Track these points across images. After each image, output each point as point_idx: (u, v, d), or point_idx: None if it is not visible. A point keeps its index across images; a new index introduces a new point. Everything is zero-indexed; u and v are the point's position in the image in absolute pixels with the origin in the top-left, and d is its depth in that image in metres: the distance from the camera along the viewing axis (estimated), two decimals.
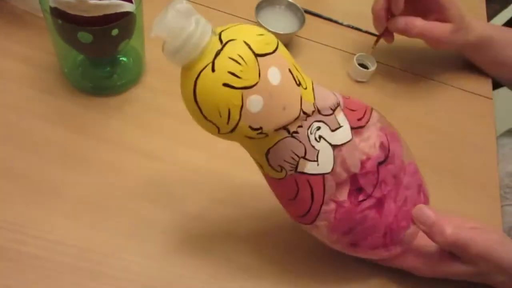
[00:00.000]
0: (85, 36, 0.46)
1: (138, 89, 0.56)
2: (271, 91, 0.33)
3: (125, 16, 0.47)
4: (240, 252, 0.46)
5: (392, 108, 0.63)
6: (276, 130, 0.34)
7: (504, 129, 0.72)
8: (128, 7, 0.47)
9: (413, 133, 0.61)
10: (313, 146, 0.36)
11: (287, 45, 0.65)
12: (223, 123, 0.33)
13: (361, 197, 0.39)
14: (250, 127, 0.33)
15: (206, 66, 0.32)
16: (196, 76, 0.32)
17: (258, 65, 0.32)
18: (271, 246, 0.48)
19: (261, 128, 0.33)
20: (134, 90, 0.56)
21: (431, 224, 0.42)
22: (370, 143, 0.39)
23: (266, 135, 0.34)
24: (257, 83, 0.32)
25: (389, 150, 0.40)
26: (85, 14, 0.45)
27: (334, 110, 0.37)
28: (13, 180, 0.47)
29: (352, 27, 0.71)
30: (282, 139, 0.35)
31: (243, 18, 0.67)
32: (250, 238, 0.48)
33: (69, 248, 0.44)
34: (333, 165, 0.37)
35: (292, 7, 0.65)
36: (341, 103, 0.38)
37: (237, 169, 0.51)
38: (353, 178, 0.38)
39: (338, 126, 0.37)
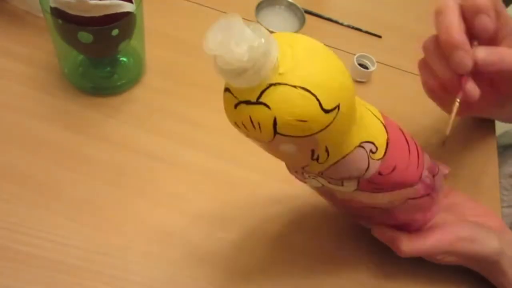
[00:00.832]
0: (85, 36, 0.46)
1: (138, 89, 0.56)
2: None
3: (125, 16, 0.47)
4: (240, 252, 0.47)
5: (392, 108, 0.63)
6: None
7: (504, 129, 0.71)
8: (128, 7, 0.47)
9: (413, 133, 0.61)
10: None
11: None
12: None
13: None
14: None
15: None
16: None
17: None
18: (272, 246, 0.48)
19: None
20: (134, 90, 0.56)
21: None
22: None
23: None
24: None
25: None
26: (85, 14, 0.45)
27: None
28: (13, 180, 0.47)
29: (352, 27, 0.71)
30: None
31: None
32: (250, 238, 0.48)
33: (69, 248, 0.44)
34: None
35: (292, 7, 0.65)
36: None
37: (237, 169, 0.51)
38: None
39: None
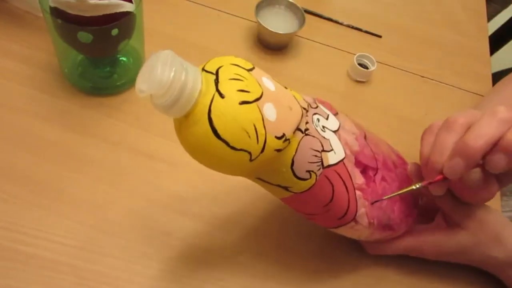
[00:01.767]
0: (85, 36, 0.46)
1: None
2: (274, 96, 0.33)
3: (125, 16, 0.47)
4: (240, 252, 0.46)
5: (391, 108, 0.63)
6: (294, 132, 0.34)
7: None
8: (128, 7, 0.47)
9: (413, 133, 0.61)
10: (323, 137, 0.37)
11: (287, 45, 0.66)
12: (253, 144, 0.32)
13: (371, 173, 0.41)
14: (276, 137, 0.33)
15: (213, 98, 0.31)
16: (207, 112, 0.31)
17: (255, 78, 0.32)
18: (272, 246, 0.48)
19: (284, 134, 0.33)
20: (134, 90, 0.56)
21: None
22: (348, 124, 0.42)
23: (289, 141, 0.34)
24: (262, 92, 0.32)
25: (359, 126, 0.43)
26: (85, 14, 0.45)
27: (315, 102, 0.39)
28: (13, 180, 0.47)
29: (352, 27, 0.71)
30: (300, 140, 0.35)
31: (243, 18, 0.67)
32: (250, 237, 0.48)
33: (69, 248, 0.44)
34: (344, 149, 0.39)
35: (292, 7, 0.65)
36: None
37: None
38: (356, 160, 0.40)
39: (326, 114, 0.39)
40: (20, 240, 0.43)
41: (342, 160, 0.38)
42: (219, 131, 0.31)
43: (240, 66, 0.33)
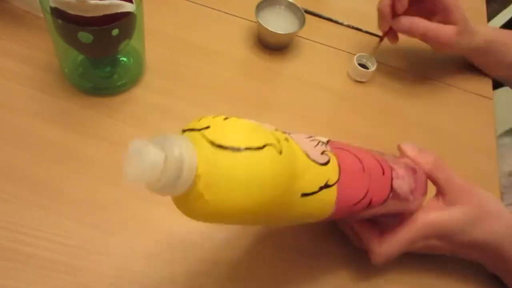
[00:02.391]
0: (85, 36, 0.46)
1: (138, 89, 0.56)
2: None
3: (125, 16, 0.47)
4: (240, 252, 0.47)
5: (392, 108, 0.63)
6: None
7: (504, 129, 0.72)
8: (128, 7, 0.47)
9: (413, 133, 0.61)
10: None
11: (287, 45, 0.66)
12: (270, 137, 0.29)
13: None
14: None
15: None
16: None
17: None
18: (272, 246, 0.48)
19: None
20: (134, 90, 0.56)
21: (416, 154, 0.45)
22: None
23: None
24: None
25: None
26: (85, 14, 0.45)
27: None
28: (13, 180, 0.47)
29: (352, 27, 0.71)
30: (291, 136, 0.35)
31: (243, 18, 0.67)
32: (250, 238, 0.48)
33: (69, 248, 0.44)
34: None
35: (292, 7, 0.65)
36: None
37: None
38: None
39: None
40: (20, 240, 0.43)
41: (328, 140, 0.38)
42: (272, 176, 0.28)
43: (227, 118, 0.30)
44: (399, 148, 0.47)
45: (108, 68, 0.56)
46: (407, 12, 0.59)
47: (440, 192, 0.45)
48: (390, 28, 0.60)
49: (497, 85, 0.71)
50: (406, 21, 0.58)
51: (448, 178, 0.45)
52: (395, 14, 0.59)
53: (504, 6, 1.15)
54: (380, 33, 0.63)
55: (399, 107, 0.63)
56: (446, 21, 0.59)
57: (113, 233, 0.45)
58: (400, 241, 0.43)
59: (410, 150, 0.46)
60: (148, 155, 0.26)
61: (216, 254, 0.46)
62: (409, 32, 0.59)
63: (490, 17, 0.86)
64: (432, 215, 0.44)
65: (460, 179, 0.45)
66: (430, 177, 0.45)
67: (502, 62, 0.65)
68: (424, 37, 0.59)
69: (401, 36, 0.62)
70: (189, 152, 0.27)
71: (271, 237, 0.48)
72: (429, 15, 0.60)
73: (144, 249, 0.45)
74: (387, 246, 0.43)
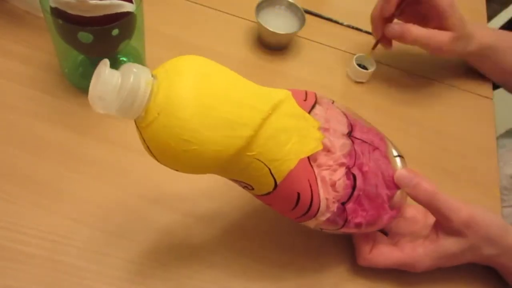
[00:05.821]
0: (85, 36, 0.46)
1: None
2: None
3: (126, 16, 0.47)
4: (240, 252, 0.47)
5: (391, 108, 0.63)
6: None
7: (504, 130, 0.72)
8: (128, 7, 0.47)
9: (413, 134, 0.61)
10: None
11: (287, 45, 0.66)
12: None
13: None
14: None
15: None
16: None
17: None
18: (272, 246, 0.48)
19: None
20: None
21: (414, 185, 0.43)
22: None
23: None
24: None
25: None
26: (86, 14, 0.45)
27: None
28: (13, 180, 0.47)
29: (352, 27, 0.71)
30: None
31: (243, 18, 0.67)
32: (250, 237, 0.48)
33: (69, 248, 0.44)
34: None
35: (292, 7, 0.65)
36: None
37: None
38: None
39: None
40: (20, 240, 0.43)
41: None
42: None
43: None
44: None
45: None
46: (402, 18, 0.58)
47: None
48: (384, 34, 0.60)
49: (497, 85, 0.71)
50: (398, 28, 0.58)
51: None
52: (388, 20, 0.59)
53: (504, 6, 1.15)
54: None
55: (398, 107, 0.63)
56: (442, 26, 0.58)
57: (113, 232, 0.45)
58: (386, 262, 0.45)
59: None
60: (105, 74, 0.32)
61: (218, 254, 0.46)
62: (401, 39, 0.58)
63: (490, 17, 0.86)
64: (422, 249, 0.45)
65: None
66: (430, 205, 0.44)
67: (497, 67, 0.65)
68: (416, 43, 0.58)
69: None
70: (145, 75, 0.33)
71: (267, 235, 0.48)
72: (425, 21, 0.59)
73: (144, 249, 0.45)
74: (376, 257, 0.45)
